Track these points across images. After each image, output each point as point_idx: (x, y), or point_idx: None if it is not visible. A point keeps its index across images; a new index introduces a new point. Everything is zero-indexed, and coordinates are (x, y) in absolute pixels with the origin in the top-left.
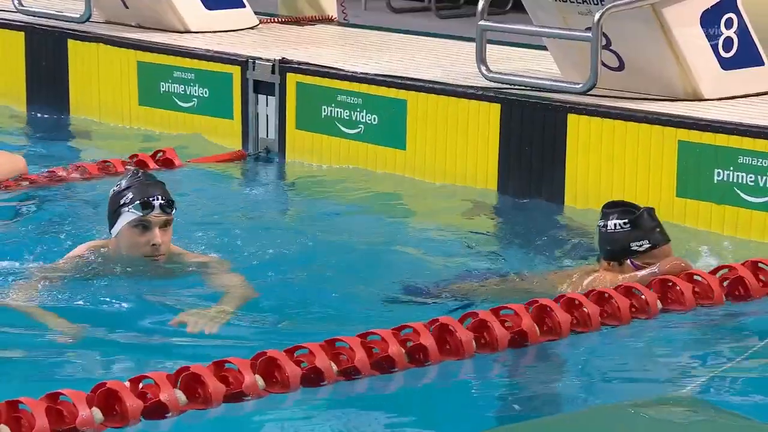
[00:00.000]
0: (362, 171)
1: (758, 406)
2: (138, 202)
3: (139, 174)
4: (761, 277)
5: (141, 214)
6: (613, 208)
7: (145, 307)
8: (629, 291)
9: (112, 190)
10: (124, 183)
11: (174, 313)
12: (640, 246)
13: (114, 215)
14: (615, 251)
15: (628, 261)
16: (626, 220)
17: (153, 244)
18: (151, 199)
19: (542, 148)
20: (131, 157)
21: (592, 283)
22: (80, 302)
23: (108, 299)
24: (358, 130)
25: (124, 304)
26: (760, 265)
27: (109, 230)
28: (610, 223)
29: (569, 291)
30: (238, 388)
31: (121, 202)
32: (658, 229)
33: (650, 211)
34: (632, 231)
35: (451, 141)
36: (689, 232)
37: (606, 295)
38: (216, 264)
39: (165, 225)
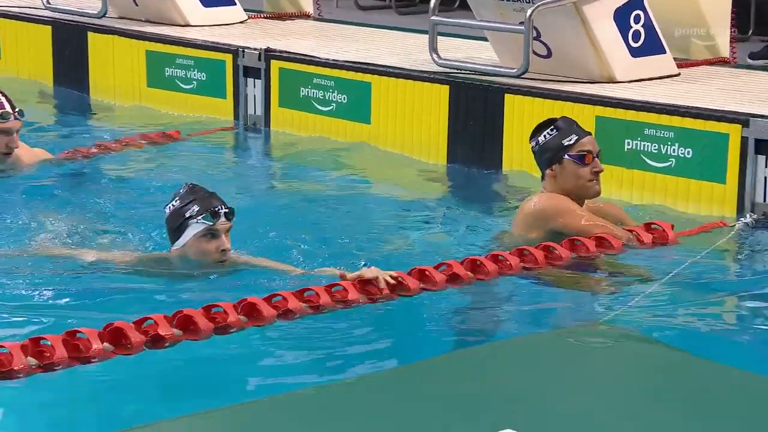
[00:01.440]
0: (334, 142)
1: (657, 329)
2: (207, 213)
3: (195, 188)
4: (655, 235)
5: (210, 223)
6: (536, 129)
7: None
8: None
9: (169, 206)
10: (183, 197)
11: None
12: (570, 140)
13: (179, 228)
14: (552, 155)
15: (566, 156)
16: (551, 128)
17: (223, 250)
18: (217, 209)
19: (484, 123)
20: (143, 136)
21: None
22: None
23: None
24: (331, 107)
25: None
26: (653, 226)
27: (172, 244)
28: (540, 138)
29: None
30: (223, 322)
31: (187, 215)
32: (576, 125)
33: (565, 117)
34: (558, 132)
35: (408, 117)
36: (604, 192)
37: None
38: (266, 261)
39: (227, 231)
